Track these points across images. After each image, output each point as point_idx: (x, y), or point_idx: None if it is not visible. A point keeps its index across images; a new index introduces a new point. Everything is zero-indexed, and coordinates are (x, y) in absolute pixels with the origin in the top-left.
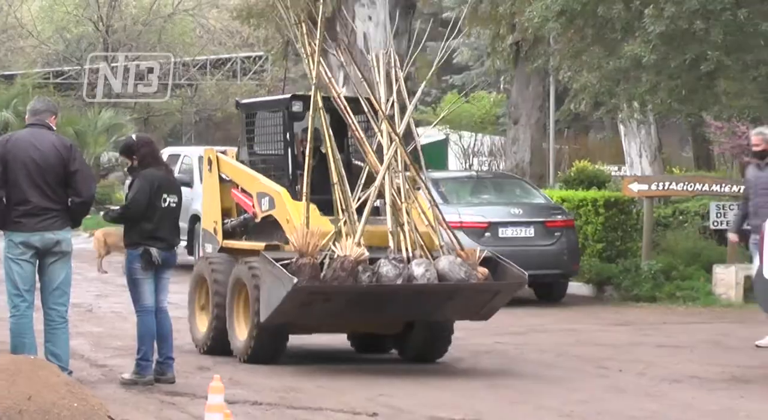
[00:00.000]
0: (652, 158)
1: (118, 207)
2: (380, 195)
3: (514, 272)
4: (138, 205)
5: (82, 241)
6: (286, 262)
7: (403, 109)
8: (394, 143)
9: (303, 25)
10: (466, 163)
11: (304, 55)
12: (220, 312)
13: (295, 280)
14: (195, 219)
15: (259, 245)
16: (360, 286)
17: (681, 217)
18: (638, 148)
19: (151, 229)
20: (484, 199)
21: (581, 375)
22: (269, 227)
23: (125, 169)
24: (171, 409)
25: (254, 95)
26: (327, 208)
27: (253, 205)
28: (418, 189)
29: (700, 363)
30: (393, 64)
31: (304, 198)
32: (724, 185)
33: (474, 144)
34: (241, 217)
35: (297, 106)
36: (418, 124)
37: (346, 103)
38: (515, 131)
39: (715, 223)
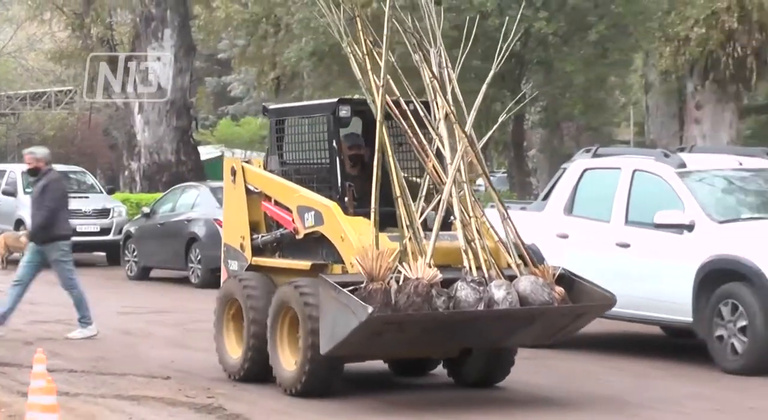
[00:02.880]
0: None
1: None
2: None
3: (596, 291)
4: None
5: None
6: (350, 286)
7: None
8: (459, 151)
9: (358, 19)
10: None
11: (357, 54)
12: (257, 342)
13: (371, 309)
14: (19, 223)
15: (303, 264)
16: (440, 314)
17: None
18: None
19: None
20: None
21: None
22: (309, 244)
23: None
24: (2, 378)
25: (64, 122)
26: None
27: (293, 220)
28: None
29: None
30: (444, 65)
31: (372, 214)
32: None
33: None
34: (277, 232)
35: (344, 111)
36: (198, 143)
37: (406, 108)
38: None
39: None
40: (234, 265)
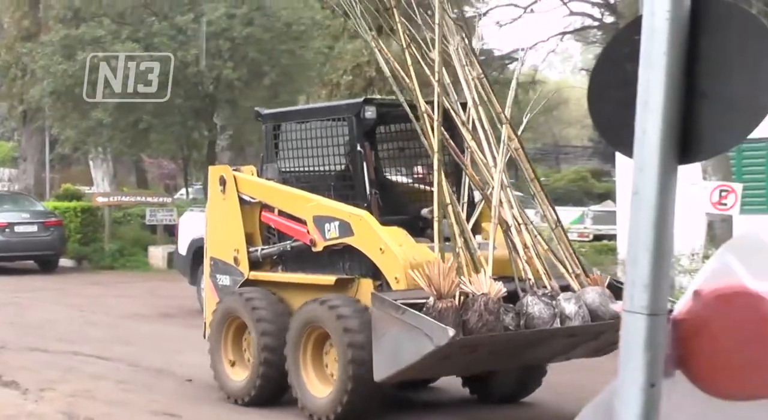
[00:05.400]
0: (111, 181)
1: None
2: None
3: None
4: None
5: None
6: (412, 304)
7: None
8: (501, 154)
9: (395, 10)
10: None
11: (383, 49)
12: (271, 356)
13: (452, 331)
14: None
15: (326, 279)
16: (522, 333)
17: (128, 217)
18: (102, 175)
19: None
20: (5, 208)
21: (70, 317)
22: (323, 257)
23: None
24: None
25: None
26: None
27: (308, 232)
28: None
29: (143, 305)
30: (470, 63)
31: (435, 224)
32: (154, 197)
33: None
34: (285, 244)
35: (370, 112)
36: None
37: (452, 107)
38: (24, 166)
39: (149, 221)
40: (225, 280)
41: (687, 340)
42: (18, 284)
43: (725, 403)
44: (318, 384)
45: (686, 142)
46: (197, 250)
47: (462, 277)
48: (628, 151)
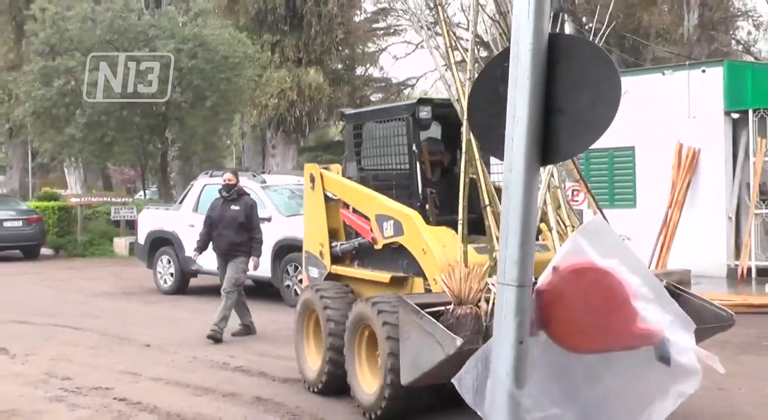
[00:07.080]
0: (82, 185)
1: None
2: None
3: (708, 309)
4: None
5: None
6: (436, 308)
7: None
8: None
9: (439, 8)
10: None
11: (440, 48)
12: (335, 354)
13: (459, 341)
14: None
15: (382, 277)
16: None
17: (97, 214)
18: (74, 180)
19: None
20: None
21: (49, 295)
22: (388, 254)
23: None
24: None
25: None
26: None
27: (371, 230)
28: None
29: (109, 286)
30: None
31: (460, 226)
32: (118, 198)
33: None
34: (355, 241)
35: (425, 112)
36: None
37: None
38: (11, 173)
39: (114, 217)
40: (314, 272)
41: (548, 306)
42: (6, 269)
43: (577, 356)
44: (371, 380)
45: (545, 148)
46: (153, 241)
47: (494, 280)
48: (500, 155)
